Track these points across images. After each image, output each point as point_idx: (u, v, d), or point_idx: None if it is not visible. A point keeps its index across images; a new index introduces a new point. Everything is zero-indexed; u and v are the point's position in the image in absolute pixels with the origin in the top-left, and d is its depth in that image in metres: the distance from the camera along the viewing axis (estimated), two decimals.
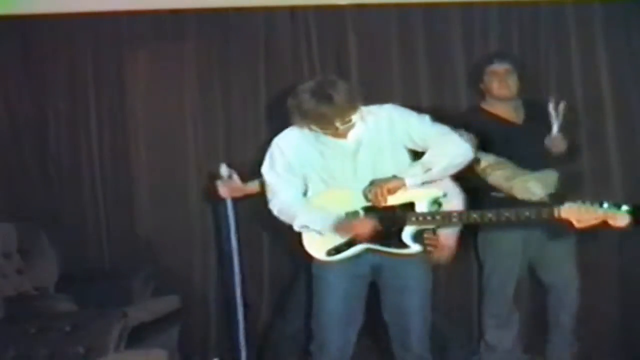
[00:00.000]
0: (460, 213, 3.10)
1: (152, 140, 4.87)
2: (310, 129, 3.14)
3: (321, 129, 3.11)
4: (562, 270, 4.16)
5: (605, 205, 2.79)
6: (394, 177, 3.11)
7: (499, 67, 4.11)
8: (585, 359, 4.34)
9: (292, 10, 4.78)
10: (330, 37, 4.80)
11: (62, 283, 4.57)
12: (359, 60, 4.75)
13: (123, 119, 4.89)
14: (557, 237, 3.99)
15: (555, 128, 3.97)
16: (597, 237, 4.34)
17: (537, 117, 4.07)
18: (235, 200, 3.92)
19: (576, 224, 2.85)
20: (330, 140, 3.16)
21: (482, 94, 4.22)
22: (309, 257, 3.24)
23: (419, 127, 3.18)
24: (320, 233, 3.17)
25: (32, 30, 4.83)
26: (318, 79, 3.17)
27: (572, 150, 4.10)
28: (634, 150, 4.66)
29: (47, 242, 4.65)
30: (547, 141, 3.98)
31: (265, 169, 3.28)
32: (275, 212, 3.26)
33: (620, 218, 2.78)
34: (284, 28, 4.81)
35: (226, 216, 3.91)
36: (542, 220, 3.00)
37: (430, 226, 3.18)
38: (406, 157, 3.23)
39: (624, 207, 2.78)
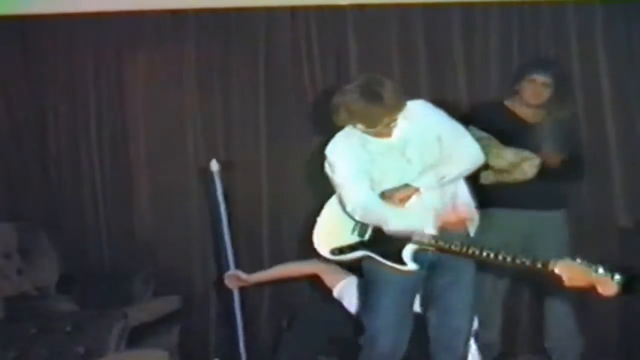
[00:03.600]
0: (461, 245, 3.01)
1: (152, 140, 4.87)
2: (355, 127, 3.12)
3: (366, 127, 3.09)
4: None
5: (600, 270, 2.74)
6: (407, 185, 3.11)
7: (541, 78, 4.08)
8: (586, 359, 4.34)
9: (292, 10, 4.79)
10: (330, 37, 4.80)
11: (62, 283, 4.58)
12: (359, 60, 4.75)
13: (123, 119, 4.90)
14: (550, 234, 4.02)
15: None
16: (597, 237, 4.41)
17: (554, 120, 4.08)
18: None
19: (566, 282, 2.80)
20: (376, 141, 3.15)
21: (513, 94, 4.17)
22: (317, 254, 3.27)
23: (448, 128, 3.18)
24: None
25: (32, 30, 4.84)
26: (364, 78, 3.11)
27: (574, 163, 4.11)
28: (634, 150, 4.66)
29: (47, 242, 4.65)
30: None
31: (332, 176, 3.22)
32: (357, 217, 3.19)
33: (611, 286, 2.72)
34: (284, 28, 4.81)
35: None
36: (535, 271, 2.91)
37: (429, 248, 3.09)
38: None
39: (617, 277, 2.72)
